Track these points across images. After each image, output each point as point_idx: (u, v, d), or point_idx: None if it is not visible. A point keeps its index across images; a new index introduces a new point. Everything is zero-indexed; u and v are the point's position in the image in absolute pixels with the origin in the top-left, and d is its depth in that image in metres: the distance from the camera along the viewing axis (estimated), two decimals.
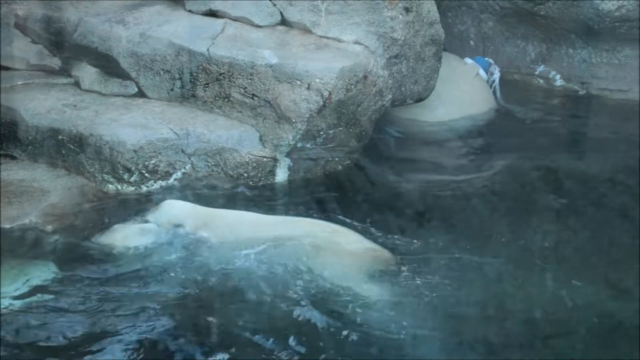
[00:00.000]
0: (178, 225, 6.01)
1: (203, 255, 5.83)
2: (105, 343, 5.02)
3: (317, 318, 5.31)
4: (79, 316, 5.23)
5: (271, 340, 5.09)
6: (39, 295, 5.42)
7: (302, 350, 5.06)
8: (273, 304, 5.40)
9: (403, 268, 5.83)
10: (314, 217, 6.38)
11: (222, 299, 5.45)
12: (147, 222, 6.04)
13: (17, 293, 5.42)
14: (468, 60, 9.02)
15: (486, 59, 9.22)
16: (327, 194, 6.94)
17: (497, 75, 9.08)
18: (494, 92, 9.08)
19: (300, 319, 5.30)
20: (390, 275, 5.76)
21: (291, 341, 5.09)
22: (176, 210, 6.08)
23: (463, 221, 6.59)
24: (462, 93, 8.68)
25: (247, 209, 6.47)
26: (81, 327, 5.14)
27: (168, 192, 6.68)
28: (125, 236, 5.98)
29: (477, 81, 8.90)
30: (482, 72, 8.97)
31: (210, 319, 5.26)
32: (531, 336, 5.28)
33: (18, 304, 5.33)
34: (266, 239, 5.93)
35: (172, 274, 5.66)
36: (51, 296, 5.42)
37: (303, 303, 5.41)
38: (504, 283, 5.78)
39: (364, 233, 6.26)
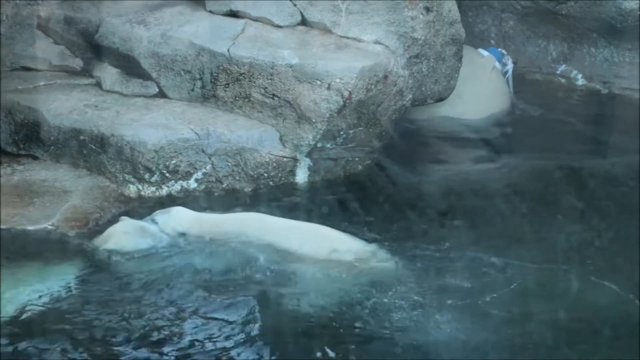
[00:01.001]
0: (182, 233, 5.97)
1: (202, 262, 5.80)
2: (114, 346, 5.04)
3: (327, 323, 5.31)
4: (92, 319, 5.24)
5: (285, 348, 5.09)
6: (56, 298, 5.44)
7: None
8: (275, 312, 5.39)
9: (412, 276, 5.79)
10: (332, 219, 6.36)
11: (221, 307, 5.44)
12: (154, 223, 6.02)
13: (34, 296, 5.43)
14: (483, 52, 8.92)
15: (499, 49, 9.15)
16: (347, 194, 6.92)
17: (510, 67, 8.99)
18: (507, 83, 9.01)
19: (309, 325, 5.30)
20: (401, 281, 5.74)
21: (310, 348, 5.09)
22: (182, 217, 6.03)
23: (485, 221, 6.55)
24: (482, 89, 8.62)
25: (268, 209, 6.46)
26: (93, 331, 5.14)
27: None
28: (126, 235, 5.97)
29: (495, 74, 8.84)
30: (497, 64, 8.91)
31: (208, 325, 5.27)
32: (555, 337, 5.24)
33: (35, 307, 5.34)
34: (271, 243, 5.89)
35: (171, 280, 5.65)
36: (67, 299, 5.44)
37: (310, 310, 5.40)
38: (527, 283, 5.75)
39: (384, 234, 6.25)
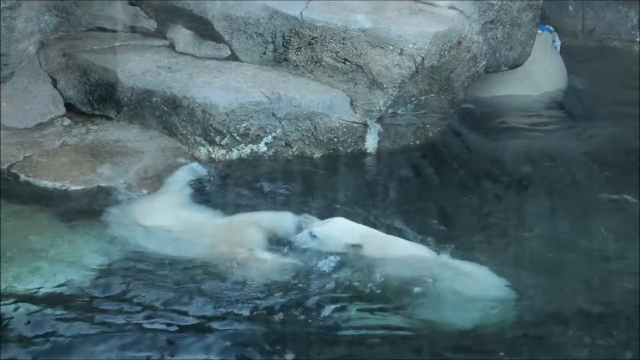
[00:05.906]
0: (346, 248, 5.50)
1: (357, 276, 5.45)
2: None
3: None
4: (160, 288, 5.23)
5: None
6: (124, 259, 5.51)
7: None
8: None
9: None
10: (404, 186, 6.31)
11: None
12: (313, 238, 5.56)
13: (103, 254, 5.51)
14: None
15: (547, 26, 8.93)
16: (420, 160, 6.90)
17: (558, 43, 8.78)
18: None
19: None
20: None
21: None
22: (345, 231, 5.58)
23: (563, 190, 6.49)
24: (545, 64, 8.45)
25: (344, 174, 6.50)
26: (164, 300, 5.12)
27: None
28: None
29: (553, 51, 8.67)
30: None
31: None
32: (633, 309, 5.16)
33: (103, 266, 5.39)
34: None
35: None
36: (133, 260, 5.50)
37: None
38: (606, 253, 5.68)
39: (458, 201, 6.20)
